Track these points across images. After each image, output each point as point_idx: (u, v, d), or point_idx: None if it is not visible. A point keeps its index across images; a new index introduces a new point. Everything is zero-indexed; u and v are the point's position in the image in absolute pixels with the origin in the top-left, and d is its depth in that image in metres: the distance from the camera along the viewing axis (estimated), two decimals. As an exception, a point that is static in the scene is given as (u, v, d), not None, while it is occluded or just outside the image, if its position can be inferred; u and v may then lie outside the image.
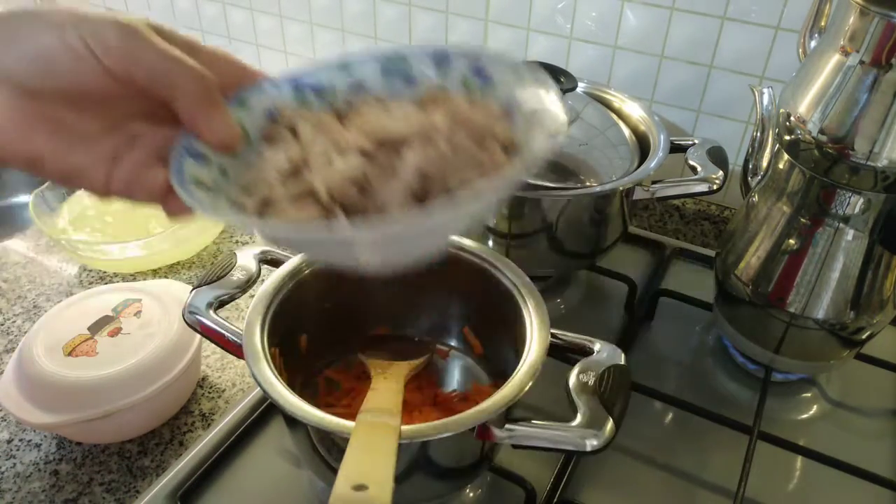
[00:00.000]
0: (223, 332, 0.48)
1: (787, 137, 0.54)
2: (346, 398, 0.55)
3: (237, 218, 0.35)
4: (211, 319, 0.49)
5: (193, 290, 0.51)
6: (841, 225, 0.54)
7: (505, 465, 0.54)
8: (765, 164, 0.61)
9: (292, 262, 0.53)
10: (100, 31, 0.30)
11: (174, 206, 0.33)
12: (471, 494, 0.54)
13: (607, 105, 0.75)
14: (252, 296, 0.51)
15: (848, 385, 0.66)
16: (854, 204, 0.52)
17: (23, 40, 0.30)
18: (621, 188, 0.63)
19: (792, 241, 0.56)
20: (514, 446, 0.43)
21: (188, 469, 0.54)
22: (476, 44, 0.87)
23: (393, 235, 0.30)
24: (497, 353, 0.56)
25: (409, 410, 0.52)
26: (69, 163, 0.32)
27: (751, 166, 0.62)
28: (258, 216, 0.33)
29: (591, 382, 0.44)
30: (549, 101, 0.35)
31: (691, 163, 0.68)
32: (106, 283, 0.77)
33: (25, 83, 0.31)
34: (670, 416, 0.62)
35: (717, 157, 0.68)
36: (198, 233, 0.79)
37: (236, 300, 0.52)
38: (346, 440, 0.39)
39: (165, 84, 0.31)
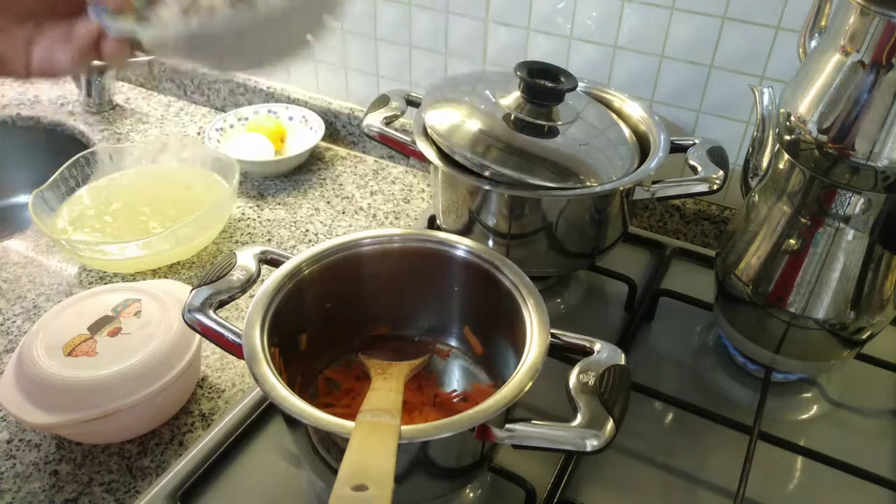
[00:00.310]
0: (223, 332, 0.48)
1: (788, 137, 0.54)
2: (346, 398, 0.55)
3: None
4: (211, 319, 0.49)
5: (193, 290, 0.51)
6: (841, 225, 0.54)
7: (505, 465, 0.54)
8: (765, 164, 0.61)
9: (292, 262, 0.53)
10: None
11: (108, 50, 0.39)
12: (471, 494, 0.54)
13: (607, 105, 0.75)
14: (252, 296, 0.51)
15: (848, 385, 0.66)
16: (854, 204, 0.52)
17: None
18: (621, 188, 0.63)
19: (792, 242, 0.56)
20: (514, 446, 0.43)
21: (188, 469, 0.54)
22: (476, 44, 0.87)
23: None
24: (497, 353, 0.56)
25: (409, 410, 0.52)
26: None
27: (751, 166, 0.62)
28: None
29: (591, 382, 0.44)
30: None
31: (691, 163, 0.68)
32: (106, 283, 0.77)
33: None
34: (670, 416, 0.62)
35: (718, 157, 0.68)
36: (198, 232, 0.79)
37: (236, 300, 0.52)
38: (346, 440, 0.39)
39: None
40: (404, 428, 0.40)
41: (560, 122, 0.67)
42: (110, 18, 0.39)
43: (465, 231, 0.69)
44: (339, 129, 1.05)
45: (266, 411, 0.60)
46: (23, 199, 1.09)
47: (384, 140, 0.71)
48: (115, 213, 0.83)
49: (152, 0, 0.44)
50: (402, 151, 0.70)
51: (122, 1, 0.39)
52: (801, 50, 0.55)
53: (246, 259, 0.53)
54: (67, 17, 0.40)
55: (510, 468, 0.54)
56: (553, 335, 0.48)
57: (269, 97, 1.08)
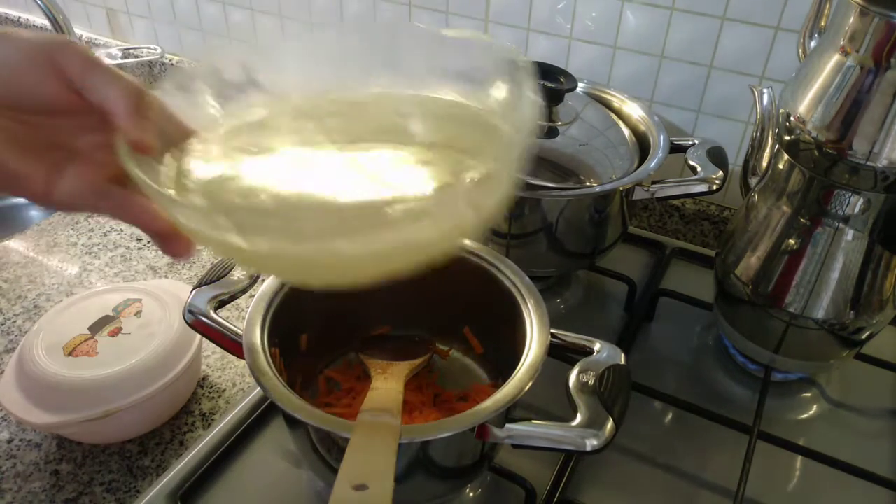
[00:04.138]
0: (223, 331, 0.48)
1: (787, 137, 0.54)
2: (346, 398, 0.55)
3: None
4: (211, 319, 0.49)
5: (193, 289, 0.51)
6: (841, 225, 0.54)
7: (505, 465, 0.54)
8: (765, 164, 0.61)
9: (292, 262, 0.53)
10: (60, 45, 0.34)
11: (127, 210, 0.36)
12: (471, 494, 0.55)
13: (607, 105, 0.75)
14: (252, 296, 0.51)
15: (848, 385, 0.66)
16: (854, 204, 0.52)
17: None
18: (621, 188, 0.63)
19: (792, 241, 0.56)
20: (514, 446, 0.43)
21: (188, 469, 0.54)
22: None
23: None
24: (497, 353, 0.56)
25: (409, 410, 0.53)
26: (8, 169, 0.34)
27: (751, 166, 0.62)
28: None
29: (591, 382, 0.44)
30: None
31: (691, 163, 0.68)
32: (106, 283, 0.77)
33: None
34: (670, 416, 0.62)
35: (717, 157, 0.68)
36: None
37: (236, 300, 0.52)
38: (346, 440, 0.39)
39: (111, 94, 0.35)
40: (404, 428, 0.41)
41: (560, 123, 0.67)
42: (128, 158, 0.34)
43: (465, 231, 0.69)
44: (339, 129, 1.05)
45: (266, 411, 0.60)
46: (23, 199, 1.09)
47: None
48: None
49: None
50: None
51: (139, 138, 0.35)
52: (800, 50, 0.55)
53: (246, 259, 0.53)
54: (103, 143, 0.37)
55: (510, 468, 0.54)
56: (553, 335, 0.48)
57: (270, 97, 1.08)
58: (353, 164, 0.38)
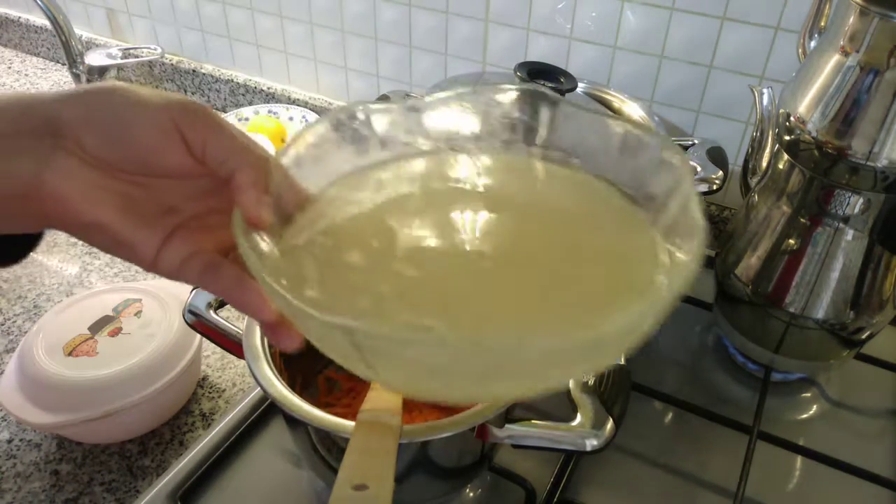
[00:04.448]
0: (223, 332, 0.48)
1: (787, 137, 0.54)
2: (346, 398, 0.55)
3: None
4: (211, 319, 0.49)
5: (193, 289, 0.51)
6: (840, 225, 0.54)
7: (505, 465, 0.54)
8: (764, 164, 0.61)
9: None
10: (186, 109, 0.32)
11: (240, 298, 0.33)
12: (471, 494, 0.55)
13: (607, 105, 0.75)
14: (252, 296, 0.51)
15: (848, 385, 0.66)
16: (854, 204, 0.52)
17: (106, 114, 0.31)
18: (621, 188, 0.63)
19: (792, 241, 0.56)
20: (514, 446, 0.43)
21: (188, 469, 0.54)
22: (476, 44, 0.87)
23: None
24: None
25: (409, 410, 0.52)
26: (123, 237, 0.32)
27: (750, 166, 0.62)
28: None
29: (591, 382, 0.44)
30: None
31: (691, 163, 0.68)
32: (106, 283, 0.77)
33: (100, 155, 0.31)
34: (670, 416, 0.62)
35: (717, 157, 0.68)
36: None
37: (236, 300, 0.52)
38: (346, 440, 0.39)
39: (235, 164, 0.32)
40: (404, 428, 0.40)
41: (560, 123, 0.67)
42: (243, 239, 0.30)
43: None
44: (339, 129, 1.05)
45: (266, 411, 0.60)
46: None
47: None
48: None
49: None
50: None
51: (257, 216, 0.32)
52: (800, 50, 0.55)
53: (246, 259, 0.53)
54: (216, 216, 0.35)
55: (510, 468, 0.54)
56: (553, 335, 0.48)
57: (270, 98, 1.08)
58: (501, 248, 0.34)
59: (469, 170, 0.39)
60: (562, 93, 0.67)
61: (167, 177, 0.33)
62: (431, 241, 0.35)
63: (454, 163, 0.40)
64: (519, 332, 0.29)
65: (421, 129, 0.40)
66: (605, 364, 0.30)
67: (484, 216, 0.36)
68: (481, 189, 0.38)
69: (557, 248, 0.35)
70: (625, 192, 0.37)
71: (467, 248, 0.34)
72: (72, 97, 0.31)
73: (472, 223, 0.36)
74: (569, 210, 0.38)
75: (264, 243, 0.32)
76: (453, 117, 0.40)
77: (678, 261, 0.32)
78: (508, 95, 0.40)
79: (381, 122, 0.39)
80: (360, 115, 0.38)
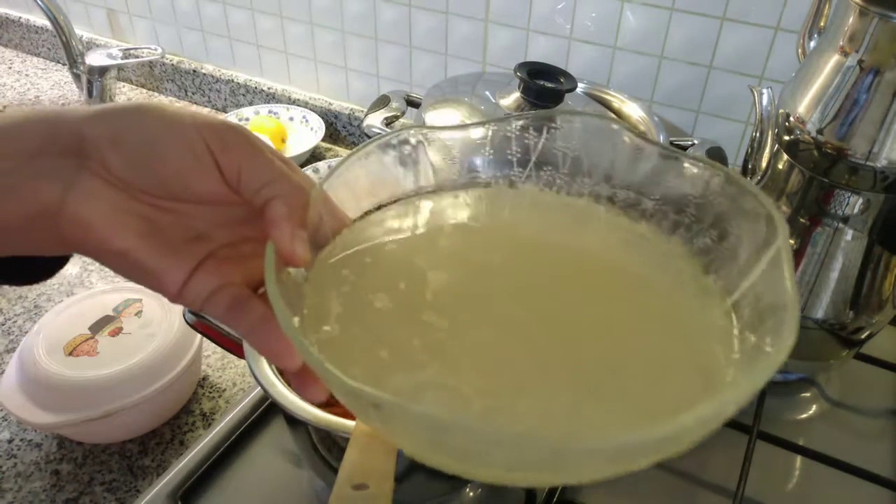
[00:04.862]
0: (224, 331, 0.48)
1: (787, 137, 0.54)
2: (346, 398, 0.55)
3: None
4: (211, 319, 0.49)
5: (194, 290, 0.51)
6: (840, 225, 0.54)
7: (505, 464, 0.54)
8: (764, 164, 0.61)
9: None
10: (220, 131, 0.30)
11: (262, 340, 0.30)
12: (471, 494, 0.55)
13: (607, 105, 0.75)
14: (252, 296, 0.51)
15: (847, 385, 0.66)
16: (853, 204, 0.52)
17: (134, 134, 0.29)
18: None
19: (791, 241, 0.56)
20: (514, 446, 0.43)
21: (188, 469, 0.54)
22: (476, 45, 0.87)
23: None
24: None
25: (409, 410, 0.52)
26: (147, 265, 0.29)
27: (750, 166, 0.62)
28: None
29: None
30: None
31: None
32: (107, 283, 0.77)
33: (126, 177, 0.29)
34: (670, 415, 0.62)
35: (717, 157, 0.68)
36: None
37: (237, 300, 0.52)
38: (346, 440, 0.39)
39: (271, 194, 0.30)
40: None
41: (560, 123, 0.67)
42: (273, 281, 0.27)
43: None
44: (339, 129, 1.05)
45: (267, 411, 0.60)
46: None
47: None
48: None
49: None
50: (403, 152, 0.70)
51: (290, 252, 0.29)
52: (800, 50, 0.55)
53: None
54: (248, 245, 0.32)
55: (510, 468, 0.54)
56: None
57: (270, 98, 1.08)
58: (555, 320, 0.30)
59: (523, 207, 0.36)
60: (562, 93, 0.67)
61: (197, 202, 0.31)
62: (466, 289, 0.31)
63: (507, 198, 0.36)
64: (589, 430, 0.25)
65: (478, 156, 0.36)
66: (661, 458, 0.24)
67: (532, 265, 0.33)
68: (533, 231, 0.35)
69: (612, 314, 0.31)
70: (694, 252, 0.32)
71: (509, 302, 0.30)
72: (99, 115, 0.29)
73: (518, 272, 0.32)
74: (626, 268, 0.33)
75: (298, 290, 0.30)
76: (513, 144, 0.36)
77: (757, 348, 0.26)
78: (580, 123, 0.35)
79: (434, 147, 0.35)
80: (413, 140, 0.35)
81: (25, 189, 0.28)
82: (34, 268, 0.34)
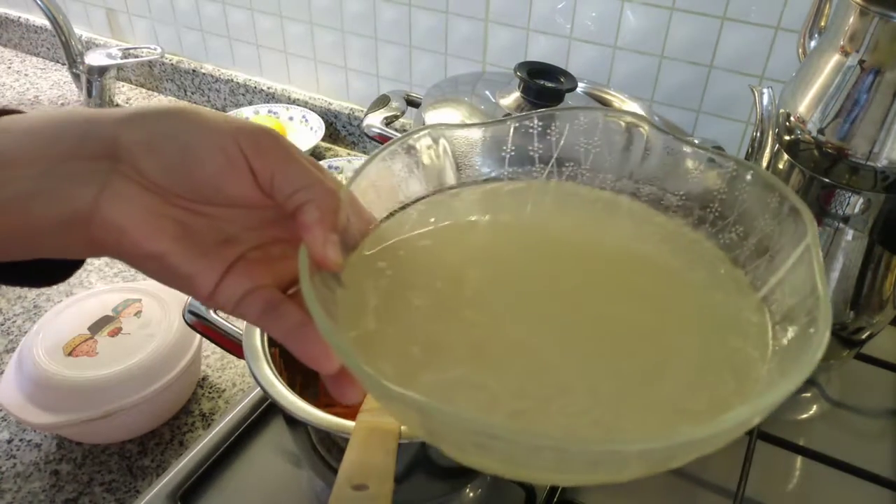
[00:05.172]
0: (223, 332, 0.48)
1: (787, 137, 0.54)
2: (346, 398, 0.55)
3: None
4: (211, 319, 0.49)
5: (193, 290, 0.51)
6: (841, 225, 0.54)
7: (505, 464, 0.54)
8: (764, 164, 0.61)
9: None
10: (254, 136, 0.30)
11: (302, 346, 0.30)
12: (471, 494, 0.54)
13: (607, 105, 0.75)
14: (252, 296, 0.51)
15: (848, 385, 0.66)
16: (854, 204, 0.52)
17: (169, 139, 0.29)
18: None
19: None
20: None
21: (188, 469, 0.54)
22: (476, 44, 0.87)
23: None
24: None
25: (409, 410, 0.52)
26: (180, 268, 0.30)
27: (751, 166, 0.62)
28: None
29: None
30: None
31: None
32: (106, 283, 0.77)
33: (159, 181, 0.29)
34: (670, 416, 0.62)
35: (717, 157, 0.68)
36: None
37: (236, 300, 0.52)
38: (347, 440, 0.39)
39: (303, 199, 0.30)
40: (405, 427, 0.40)
41: (560, 123, 0.67)
42: (308, 284, 0.27)
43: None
44: (339, 129, 1.05)
45: (266, 411, 0.60)
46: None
47: (384, 140, 0.71)
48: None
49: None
50: (403, 152, 0.70)
51: (323, 256, 0.29)
52: (800, 50, 0.55)
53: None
54: (279, 246, 0.33)
55: (510, 468, 0.54)
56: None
57: (270, 97, 1.08)
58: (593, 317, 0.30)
59: (550, 203, 0.36)
60: (562, 93, 0.67)
61: (230, 206, 0.31)
62: (501, 287, 0.31)
63: (532, 194, 0.36)
64: (633, 431, 0.25)
65: (499, 153, 0.36)
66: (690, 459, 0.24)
67: (563, 261, 0.33)
68: (563, 227, 0.35)
69: (647, 311, 0.31)
70: (720, 246, 0.32)
71: (544, 298, 0.31)
72: (133, 118, 0.29)
73: (550, 269, 0.32)
74: (659, 262, 0.33)
75: (333, 290, 0.30)
76: (535, 141, 0.36)
77: (790, 347, 0.26)
78: (608, 119, 0.36)
79: (456, 146, 0.35)
80: (434, 139, 0.35)
81: (58, 192, 0.28)
82: (52, 269, 0.34)
